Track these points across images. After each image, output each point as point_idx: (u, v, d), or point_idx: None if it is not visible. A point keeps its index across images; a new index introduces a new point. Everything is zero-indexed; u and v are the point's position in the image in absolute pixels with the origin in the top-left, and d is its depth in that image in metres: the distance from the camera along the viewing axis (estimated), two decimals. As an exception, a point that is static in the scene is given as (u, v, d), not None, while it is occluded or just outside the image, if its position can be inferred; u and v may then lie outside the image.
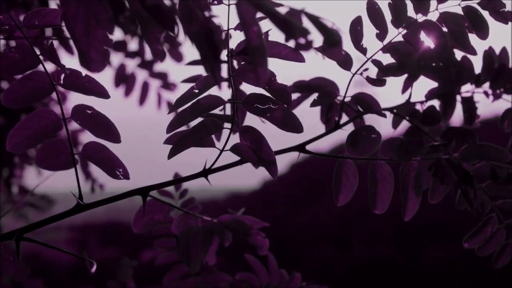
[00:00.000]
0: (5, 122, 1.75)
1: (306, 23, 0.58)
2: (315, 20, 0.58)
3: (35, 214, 1.96)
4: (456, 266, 7.55)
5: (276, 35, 0.96)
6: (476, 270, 7.30)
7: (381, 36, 0.97)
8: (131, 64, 1.85)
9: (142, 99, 1.87)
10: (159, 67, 1.87)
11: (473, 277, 7.47)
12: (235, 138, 0.88)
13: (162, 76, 1.87)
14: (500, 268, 1.03)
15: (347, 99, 1.01)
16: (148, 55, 1.83)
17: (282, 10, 0.58)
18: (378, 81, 0.98)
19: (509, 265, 1.03)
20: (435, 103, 1.05)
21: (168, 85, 1.88)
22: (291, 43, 0.56)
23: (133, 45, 1.84)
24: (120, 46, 1.81)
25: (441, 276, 7.67)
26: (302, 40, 0.56)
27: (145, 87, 1.87)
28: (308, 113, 1.09)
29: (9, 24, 0.82)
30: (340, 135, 0.99)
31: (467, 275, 7.54)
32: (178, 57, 1.69)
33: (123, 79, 1.85)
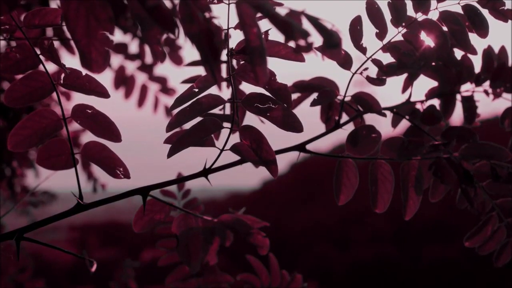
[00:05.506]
0: (6, 122, 1.76)
1: (306, 24, 0.58)
2: (315, 22, 0.58)
3: (36, 212, 1.96)
4: (456, 266, 7.55)
5: (277, 34, 0.96)
6: (475, 269, 7.30)
7: (380, 35, 0.97)
8: (131, 67, 1.85)
9: (141, 101, 1.87)
10: (158, 70, 1.87)
11: (473, 277, 7.47)
12: (235, 138, 0.88)
13: (161, 80, 1.87)
14: (500, 268, 1.03)
15: (347, 99, 1.01)
16: (148, 58, 1.84)
17: (282, 11, 0.58)
18: (378, 81, 0.98)
19: (509, 264, 1.03)
20: (435, 102, 1.05)
21: (167, 90, 1.88)
22: (291, 43, 0.56)
23: (133, 47, 1.84)
24: (120, 48, 1.81)
25: (441, 276, 7.66)
26: (302, 42, 0.56)
27: (144, 90, 1.87)
28: (308, 113, 1.09)
29: (10, 24, 0.82)
30: (340, 135, 0.99)
31: (466, 274, 7.53)
32: (178, 60, 1.69)
33: (123, 81, 1.85)
